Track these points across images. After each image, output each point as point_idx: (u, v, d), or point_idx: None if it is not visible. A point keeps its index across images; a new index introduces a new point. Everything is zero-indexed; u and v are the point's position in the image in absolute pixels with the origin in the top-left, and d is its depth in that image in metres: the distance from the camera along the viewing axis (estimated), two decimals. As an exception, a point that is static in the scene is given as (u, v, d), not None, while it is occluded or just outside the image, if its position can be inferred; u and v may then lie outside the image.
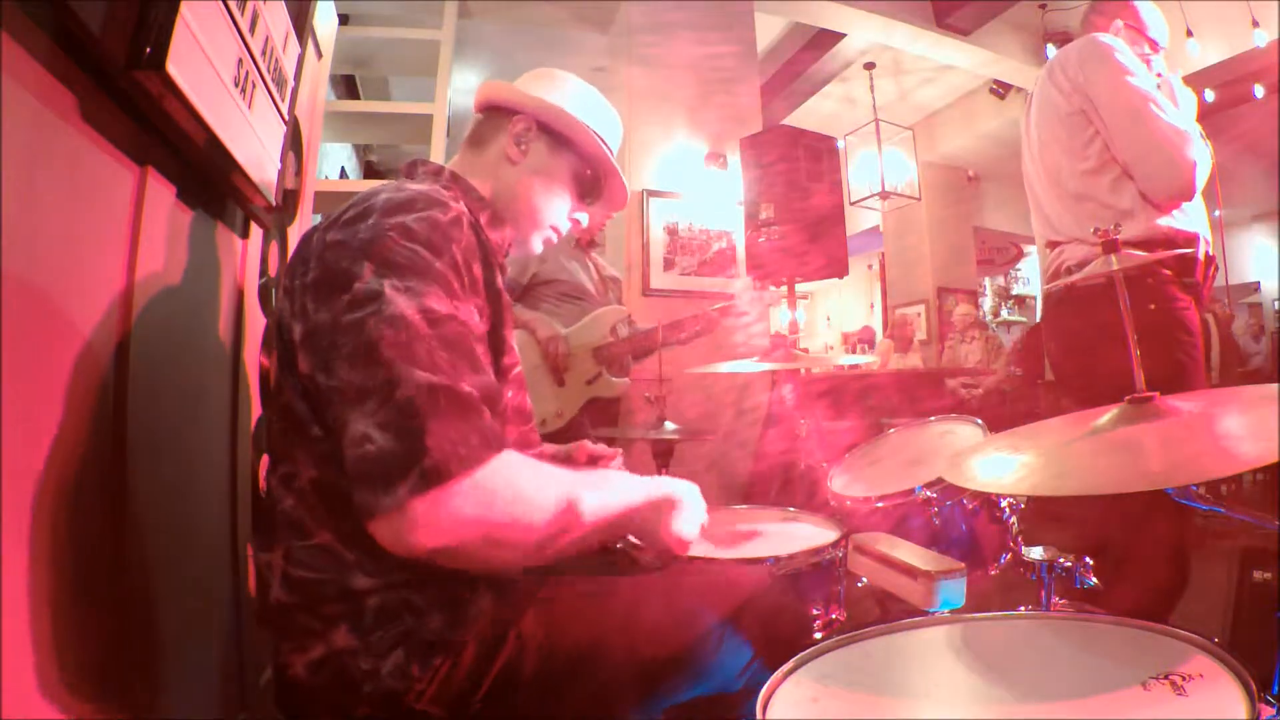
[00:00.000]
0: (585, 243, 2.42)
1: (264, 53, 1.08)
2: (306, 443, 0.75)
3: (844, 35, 4.82)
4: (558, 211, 1.00)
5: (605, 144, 1.02)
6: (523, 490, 0.69)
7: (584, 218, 1.04)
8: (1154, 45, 1.69)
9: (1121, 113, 1.53)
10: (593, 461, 1.14)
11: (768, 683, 0.66)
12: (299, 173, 1.67)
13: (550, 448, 1.16)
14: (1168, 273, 1.53)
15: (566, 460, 1.14)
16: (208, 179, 1.07)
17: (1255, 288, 8.73)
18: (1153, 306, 1.50)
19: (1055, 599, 1.02)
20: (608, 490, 0.79)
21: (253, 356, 1.35)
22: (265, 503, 0.80)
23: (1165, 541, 1.48)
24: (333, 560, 0.73)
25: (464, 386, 0.68)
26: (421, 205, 0.75)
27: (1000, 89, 5.65)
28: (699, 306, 2.25)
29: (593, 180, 1.03)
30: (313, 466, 0.75)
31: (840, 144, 3.24)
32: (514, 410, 0.87)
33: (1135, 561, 1.47)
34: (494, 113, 0.99)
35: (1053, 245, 1.72)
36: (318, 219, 2.30)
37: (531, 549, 0.70)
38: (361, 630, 0.73)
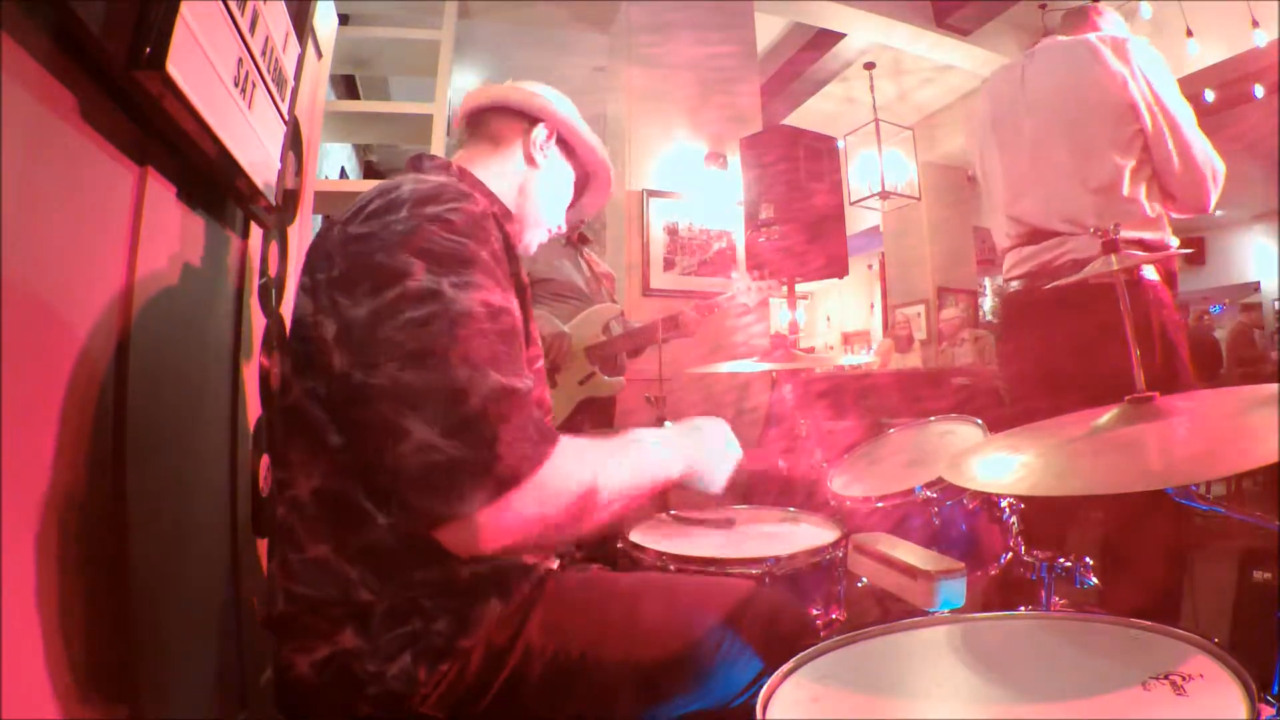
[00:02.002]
0: (576, 239, 2.40)
1: (264, 53, 1.08)
2: (316, 451, 0.74)
3: (844, 35, 4.81)
4: (560, 215, 1.07)
5: (603, 154, 1.09)
6: (581, 477, 0.70)
7: (563, 221, 1.10)
8: None
9: (1179, 122, 1.59)
10: None
11: (768, 683, 0.66)
12: (299, 173, 1.66)
13: None
14: (1159, 275, 1.57)
15: None
16: (208, 179, 1.07)
17: (1255, 287, 8.73)
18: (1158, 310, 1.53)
19: (1055, 599, 1.02)
20: (646, 462, 0.80)
21: (253, 357, 1.35)
22: (268, 507, 0.80)
23: (1164, 541, 1.49)
24: (331, 576, 0.73)
25: (521, 382, 0.69)
26: (450, 196, 0.74)
27: (1000, 89, 5.63)
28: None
29: (581, 188, 1.12)
30: (317, 476, 0.74)
31: (840, 144, 3.24)
32: (535, 403, 0.88)
33: (1134, 561, 1.48)
34: (508, 114, 1.01)
35: (1047, 235, 1.68)
36: (318, 219, 2.31)
37: (578, 531, 0.72)
38: (369, 632, 0.72)
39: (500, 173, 0.99)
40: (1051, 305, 1.63)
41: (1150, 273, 1.55)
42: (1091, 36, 1.67)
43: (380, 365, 0.66)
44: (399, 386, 0.65)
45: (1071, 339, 1.56)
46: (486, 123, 1.02)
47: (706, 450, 0.90)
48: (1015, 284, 1.78)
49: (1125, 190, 1.59)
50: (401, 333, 0.66)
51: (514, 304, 0.75)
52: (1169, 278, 1.63)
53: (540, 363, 0.91)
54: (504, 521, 0.64)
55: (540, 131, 1.00)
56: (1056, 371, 1.59)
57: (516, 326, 0.73)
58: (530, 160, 1.01)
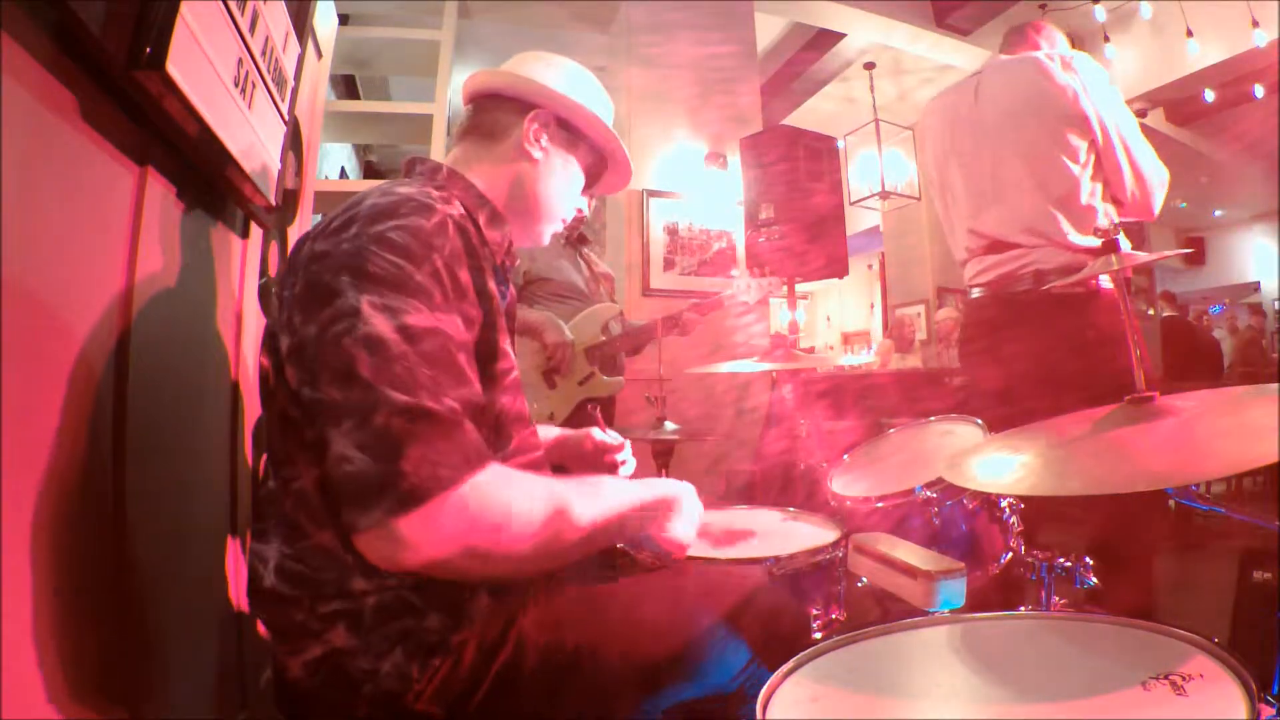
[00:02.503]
0: (575, 239, 2.40)
1: (264, 53, 1.08)
2: (304, 447, 0.75)
3: (844, 35, 4.81)
4: (572, 203, 1.00)
5: (613, 130, 1.01)
6: (509, 503, 0.69)
7: (584, 204, 1.05)
8: None
9: (1126, 134, 1.65)
10: (599, 452, 1.13)
11: (768, 683, 0.66)
12: (299, 173, 1.67)
13: (556, 433, 1.16)
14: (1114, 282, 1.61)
15: (574, 446, 1.14)
16: (208, 179, 1.07)
17: (1255, 288, 8.74)
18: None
19: (1055, 599, 1.02)
20: (599, 497, 0.79)
21: (253, 356, 1.35)
22: (265, 499, 0.80)
23: (1147, 539, 1.52)
24: (332, 561, 0.73)
25: (445, 403, 0.67)
26: (405, 211, 0.73)
27: (1000, 89, 5.63)
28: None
29: (599, 168, 1.04)
30: (313, 467, 0.74)
31: (840, 144, 3.24)
32: (514, 416, 0.87)
33: (1125, 560, 1.50)
34: (504, 103, 0.95)
35: (1008, 247, 1.71)
36: (318, 219, 2.31)
37: (523, 560, 0.70)
38: (360, 630, 0.73)
39: (495, 169, 0.92)
40: (1016, 313, 1.67)
41: (1106, 281, 1.58)
42: (1039, 54, 1.71)
43: (315, 383, 0.68)
44: (327, 402, 0.66)
45: (1038, 346, 1.59)
46: (482, 113, 0.95)
47: (675, 498, 0.91)
48: (977, 291, 1.81)
49: (1082, 199, 1.63)
50: (329, 351, 0.67)
51: (452, 322, 0.73)
52: (1126, 284, 1.67)
53: (514, 374, 0.88)
54: (420, 537, 0.63)
55: (537, 119, 0.93)
56: (1023, 375, 1.61)
57: (446, 347, 0.71)
58: (526, 154, 0.93)
